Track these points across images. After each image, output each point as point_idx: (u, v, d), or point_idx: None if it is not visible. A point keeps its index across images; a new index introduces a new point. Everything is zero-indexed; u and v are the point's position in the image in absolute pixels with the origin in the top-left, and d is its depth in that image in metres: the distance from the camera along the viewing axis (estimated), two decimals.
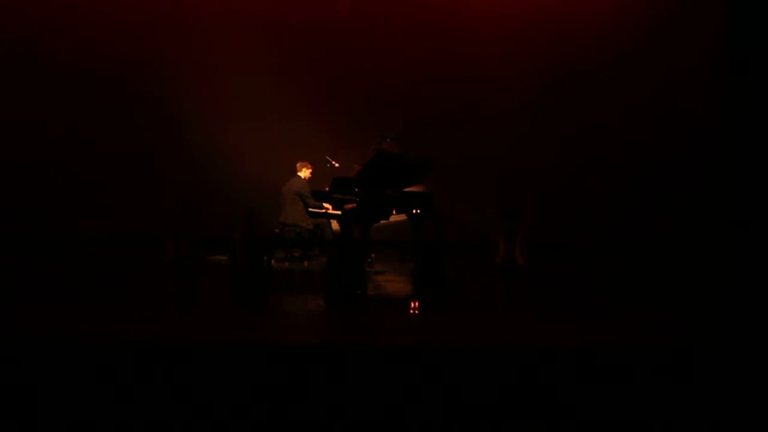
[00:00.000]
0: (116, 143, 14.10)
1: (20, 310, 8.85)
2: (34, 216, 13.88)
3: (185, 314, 9.25)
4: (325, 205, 12.35)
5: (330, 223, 12.62)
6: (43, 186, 14.04)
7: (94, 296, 9.98)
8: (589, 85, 13.90)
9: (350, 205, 12.01)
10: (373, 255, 12.30)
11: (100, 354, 7.30)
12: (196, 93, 14.07)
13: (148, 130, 14.16)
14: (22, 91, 13.96)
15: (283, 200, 12.56)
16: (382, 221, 12.09)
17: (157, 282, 11.11)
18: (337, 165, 12.75)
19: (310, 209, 12.42)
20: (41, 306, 9.12)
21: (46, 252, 13.05)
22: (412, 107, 14.11)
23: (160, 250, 11.54)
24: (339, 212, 12.17)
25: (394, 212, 12.10)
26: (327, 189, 12.51)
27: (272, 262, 11.52)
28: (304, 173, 12.66)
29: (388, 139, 12.20)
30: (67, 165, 14.10)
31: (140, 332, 8.02)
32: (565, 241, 13.62)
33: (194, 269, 11.53)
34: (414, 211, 12.28)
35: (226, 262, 11.31)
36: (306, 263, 12.38)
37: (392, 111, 13.98)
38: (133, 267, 12.19)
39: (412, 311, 9.87)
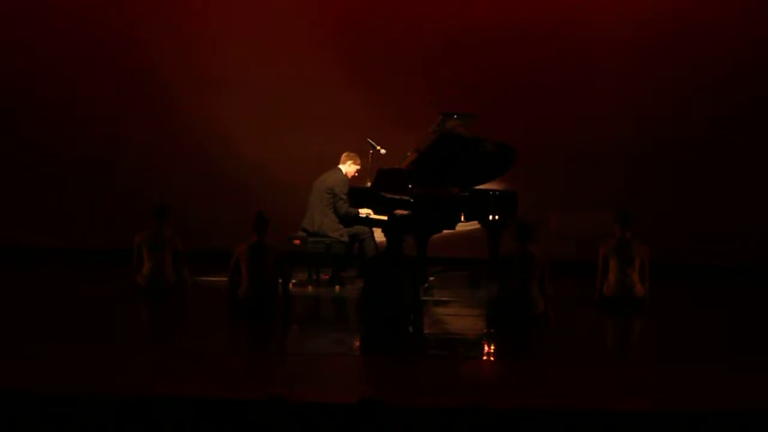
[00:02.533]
0: (71, 133, 14.29)
1: None
2: None
3: (161, 358, 8.94)
4: (363, 211, 12.21)
5: (372, 234, 12.28)
6: None
7: (31, 332, 9.71)
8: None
9: (402, 211, 11.75)
10: (431, 279, 12.06)
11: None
12: (184, 56, 14.21)
13: (120, 99, 14.32)
14: None
15: (312, 198, 12.24)
16: (445, 231, 11.91)
17: (124, 313, 10.87)
18: (383, 152, 12.48)
19: (339, 215, 12.14)
20: None
21: None
22: (490, 79, 13.87)
23: (132, 269, 11.44)
24: (384, 218, 11.90)
25: (462, 219, 11.88)
26: (368, 185, 12.35)
27: (290, 285, 11.17)
28: (349, 167, 12.31)
29: (455, 117, 12.04)
30: (10, 168, 14.36)
31: (83, 383, 7.77)
32: (690, 262, 13.66)
33: (178, 294, 11.28)
34: (491, 217, 12.10)
35: (225, 285, 10.93)
36: (338, 288, 12.13)
37: (461, 82, 13.75)
38: (94, 291, 11.93)
39: (485, 357, 9.60)
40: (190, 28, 14.15)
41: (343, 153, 12.32)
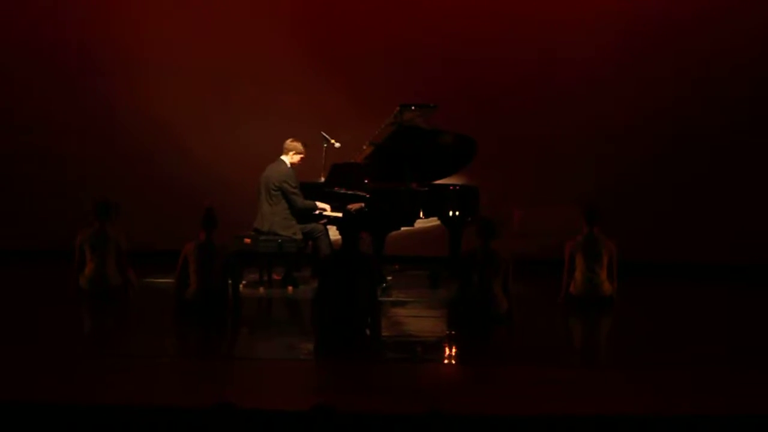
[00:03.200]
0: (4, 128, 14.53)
1: None
2: None
3: (104, 364, 8.88)
4: (320, 205, 12.08)
5: (327, 232, 12.30)
6: None
7: None
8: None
9: (356, 205, 11.83)
10: (389, 278, 12.14)
11: None
12: (125, 44, 14.47)
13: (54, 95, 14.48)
14: None
15: (260, 197, 12.14)
16: (403, 228, 12.03)
17: (65, 316, 10.80)
18: (338, 145, 12.54)
19: (298, 210, 12.04)
20: None
21: None
22: (451, 69, 14.11)
23: (72, 270, 11.28)
24: (339, 215, 11.91)
25: (421, 215, 12.02)
26: (322, 180, 12.42)
27: (240, 286, 11.16)
28: (291, 157, 12.20)
29: (412, 108, 12.01)
30: None
31: (21, 389, 7.72)
32: (659, 260, 14.04)
33: (122, 297, 11.22)
34: (451, 213, 12.29)
35: (172, 286, 10.89)
36: (290, 289, 12.10)
37: (419, 73, 13.98)
38: (34, 293, 11.97)
39: (445, 361, 9.54)
40: (136, 16, 14.24)
41: (284, 142, 12.27)
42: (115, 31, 14.25)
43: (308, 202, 12.07)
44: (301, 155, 12.15)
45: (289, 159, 12.12)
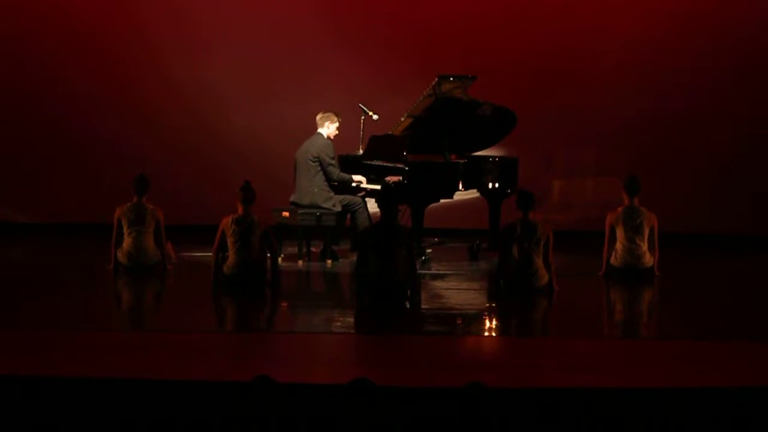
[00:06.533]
0: (47, 102, 14.35)
1: None
2: None
3: (140, 338, 9.00)
4: (357, 177, 12.12)
5: (365, 204, 12.28)
6: None
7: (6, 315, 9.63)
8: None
9: (394, 177, 11.80)
10: (428, 251, 12.10)
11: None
12: (173, 22, 14.26)
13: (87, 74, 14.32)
14: None
15: (297, 171, 12.14)
16: (442, 200, 12.02)
17: (103, 291, 10.94)
18: (375, 117, 12.48)
19: (334, 182, 12.02)
20: None
21: None
22: (492, 40, 13.91)
23: (105, 244, 11.39)
24: (377, 187, 11.88)
25: (460, 187, 12.00)
26: (360, 153, 12.37)
27: (279, 260, 11.16)
28: (328, 129, 12.14)
29: (451, 79, 11.99)
30: None
31: (66, 365, 7.75)
32: (700, 232, 13.93)
33: (161, 271, 11.26)
34: (491, 185, 12.27)
35: (210, 260, 10.86)
36: (329, 262, 12.08)
37: (458, 45, 13.81)
38: (73, 268, 12.02)
39: (486, 334, 9.56)
40: None
41: (318, 115, 12.22)
42: (151, 12, 14.15)
43: (344, 175, 12.07)
44: (337, 124, 12.13)
45: (326, 131, 12.10)
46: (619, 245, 10.98)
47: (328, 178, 12.00)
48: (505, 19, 13.91)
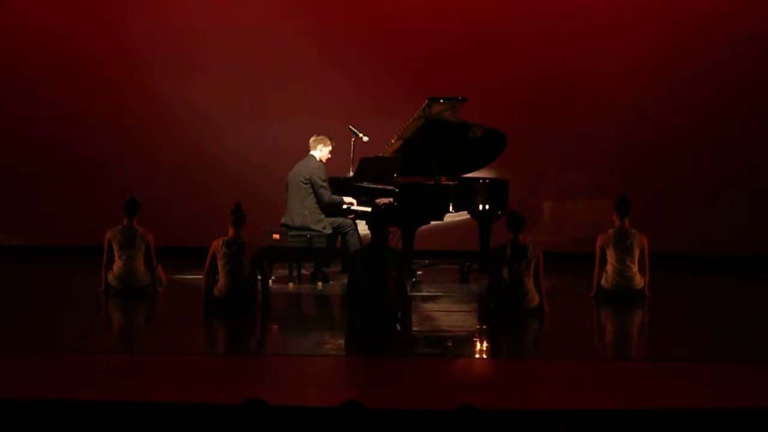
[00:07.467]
0: (36, 123, 14.38)
1: None
2: None
3: (131, 361, 8.94)
4: (347, 200, 12.12)
5: (356, 226, 12.29)
6: None
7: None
8: None
9: (385, 199, 11.79)
10: (419, 273, 12.09)
11: None
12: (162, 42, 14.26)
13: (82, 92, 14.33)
14: None
15: (289, 192, 12.12)
16: (433, 222, 11.99)
17: (94, 314, 10.91)
18: (366, 139, 12.50)
19: (325, 204, 12.03)
20: None
21: None
22: (480, 63, 13.94)
23: (96, 266, 11.40)
24: (368, 209, 11.89)
25: (451, 209, 11.95)
26: (351, 175, 12.38)
27: (270, 282, 11.13)
28: (321, 152, 12.16)
29: (441, 101, 12.04)
30: None
31: (54, 388, 7.72)
32: (690, 253, 13.89)
33: (151, 293, 11.31)
34: (481, 207, 12.23)
35: (201, 282, 10.85)
36: (320, 284, 12.08)
37: (449, 66, 13.84)
38: (64, 291, 11.96)
39: (477, 356, 9.52)
40: (170, 15, 14.14)
41: (311, 138, 12.22)
42: (141, 34, 14.15)
43: (335, 197, 12.04)
44: (330, 148, 12.14)
45: (318, 154, 12.10)
46: (609, 267, 10.99)
47: (319, 201, 11.96)
48: (496, 41, 13.92)
